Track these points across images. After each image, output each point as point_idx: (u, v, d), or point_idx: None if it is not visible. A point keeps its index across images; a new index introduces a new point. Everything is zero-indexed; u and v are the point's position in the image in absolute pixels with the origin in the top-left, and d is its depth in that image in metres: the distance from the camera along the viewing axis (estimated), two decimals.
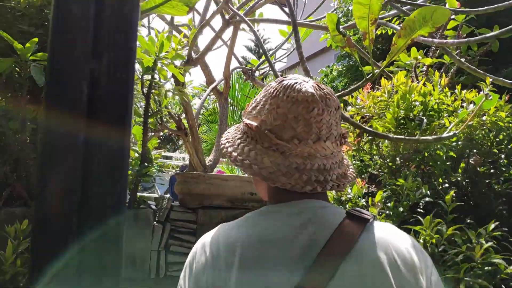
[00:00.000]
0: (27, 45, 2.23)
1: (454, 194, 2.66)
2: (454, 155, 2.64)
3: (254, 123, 0.79)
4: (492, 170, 2.71)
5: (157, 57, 2.65)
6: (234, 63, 6.84)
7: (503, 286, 1.66)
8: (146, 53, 2.75)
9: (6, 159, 2.34)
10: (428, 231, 1.82)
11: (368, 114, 2.88)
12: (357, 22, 1.71)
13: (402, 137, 2.26)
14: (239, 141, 0.82)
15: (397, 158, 2.63)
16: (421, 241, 1.87)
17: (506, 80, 2.55)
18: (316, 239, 0.71)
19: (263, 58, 5.52)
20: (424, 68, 3.60)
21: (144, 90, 2.73)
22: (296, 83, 0.78)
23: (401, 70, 3.68)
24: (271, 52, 5.50)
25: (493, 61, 3.97)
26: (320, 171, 0.76)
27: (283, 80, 0.80)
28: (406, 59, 3.58)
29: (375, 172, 2.83)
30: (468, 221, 2.44)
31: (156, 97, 2.97)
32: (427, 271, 0.73)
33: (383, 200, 2.19)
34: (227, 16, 3.74)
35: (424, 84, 2.89)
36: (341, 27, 1.86)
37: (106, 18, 0.42)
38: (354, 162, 3.06)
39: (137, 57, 2.75)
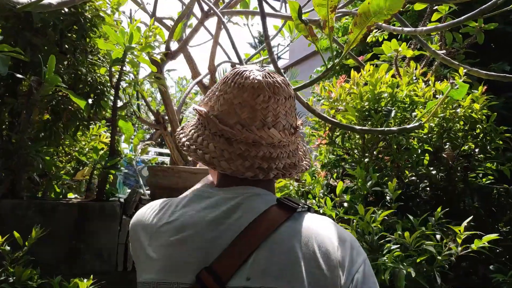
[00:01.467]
0: None
1: (427, 187, 2.62)
2: (430, 148, 2.59)
3: (203, 109, 0.81)
4: (466, 164, 2.65)
5: (126, 48, 2.63)
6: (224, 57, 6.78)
7: (437, 273, 1.62)
8: (117, 45, 2.72)
9: None
10: (366, 219, 1.79)
11: (341, 108, 2.84)
12: (316, 10, 1.67)
13: (367, 128, 2.22)
14: (191, 127, 0.85)
15: (365, 151, 2.58)
16: (359, 229, 1.84)
17: (481, 71, 2.47)
18: (239, 224, 0.71)
19: (263, 53, 5.49)
20: (406, 61, 3.53)
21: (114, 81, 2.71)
22: (246, 70, 0.78)
23: (384, 63, 3.63)
24: (262, 47, 5.45)
25: (481, 55, 3.89)
26: (264, 159, 0.77)
27: (236, 68, 0.80)
28: (388, 50, 3.52)
29: (347, 167, 2.79)
30: (441, 216, 2.39)
31: (129, 89, 2.95)
32: (353, 267, 0.70)
33: (343, 191, 2.16)
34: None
35: (397, 76, 2.83)
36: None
37: None
38: (329, 156, 3.01)
39: (106, 48, 2.73)
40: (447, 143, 2.58)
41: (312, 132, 3.01)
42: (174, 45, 3.87)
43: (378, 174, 2.14)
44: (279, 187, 2.55)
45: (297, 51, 14.10)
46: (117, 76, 2.69)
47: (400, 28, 2.30)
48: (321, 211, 2.24)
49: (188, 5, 3.27)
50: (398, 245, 1.74)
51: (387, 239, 1.81)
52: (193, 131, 0.83)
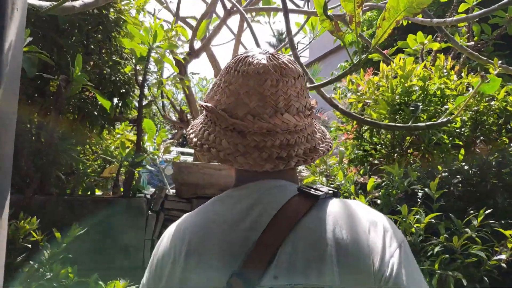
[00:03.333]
0: None
1: (458, 183, 2.53)
2: (460, 143, 2.51)
3: (209, 104, 0.75)
4: (501, 159, 2.55)
5: (150, 47, 2.64)
6: None
7: (485, 278, 1.54)
8: (141, 43, 2.74)
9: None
10: (408, 220, 1.72)
11: (369, 101, 2.77)
12: (343, 5, 1.63)
13: (393, 124, 2.15)
14: (200, 125, 0.80)
15: (395, 147, 2.51)
16: (401, 230, 1.77)
17: (510, 67, 2.38)
18: (260, 221, 0.67)
19: (285, 51, 5.44)
20: (433, 54, 3.44)
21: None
22: (248, 56, 0.73)
23: (409, 57, 3.54)
24: (283, 45, 5.41)
25: (511, 46, 3.75)
26: (282, 147, 0.71)
27: (237, 55, 0.76)
28: (413, 44, 3.43)
29: (375, 162, 2.72)
30: (472, 212, 2.30)
31: (153, 88, 2.96)
32: (386, 253, 0.63)
33: (374, 188, 2.10)
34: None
35: (428, 69, 2.75)
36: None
37: None
38: (356, 151, 2.95)
39: (131, 47, 2.75)
40: (480, 137, 2.49)
41: (339, 127, 2.94)
42: (197, 44, 3.89)
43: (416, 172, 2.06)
44: (307, 183, 2.51)
45: (316, 48, 13.99)
46: (142, 74, 2.71)
47: (429, 19, 2.23)
48: None
49: (211, 4, 3.27)
50: (443, 248, 1.66)
51: (430, 242, 1.74)
52: (203, 129, 0.78)
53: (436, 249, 1.65)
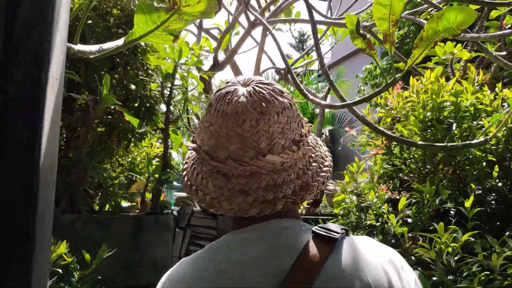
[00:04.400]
0: None
1: (492, 201, 2.45)
2: (494, 159, 2.42)
3: (193, 145, 0.72)
4: None
5: (176, 64, 2.65)
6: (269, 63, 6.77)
7: None
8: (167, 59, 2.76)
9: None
10: (444, 238, 1.67)
11: (399, 116, 2.71)
12: (377, 24, 1.59)
13: (429, 143, 2.09)
14: (192, 162, 0.75)
15: (427, 163, 2.44)
16: (436, 249, 1.72)
17: None
18: (278, 269, 0.63)
19: (307, 56, 5.41)
20: (463, 63, 3.34)
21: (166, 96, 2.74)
22: (228, 92, 0.67)
23: (438, 66, 3.45)
24: (306, 51, 5.38)
25: None
26: (269, 189, 0.66)
27: (220, 89, 0.69)
28: (442, 54, 3.34)
29: (405, 178, 2.66)
30: (507, 233, 2.22)
31: (179, 103, 2.98)
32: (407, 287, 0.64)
33: (406, 206, 2.05)
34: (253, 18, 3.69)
35: (459, 82, 2.67)
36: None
37: None
38: (385, 166, 2.89)
39: (156, 64, 2.77)
40: None
41: (368, 142, 2.89)
42: (220, 54, 3.90)
43: (447, 190, 2.01)
44: (337, 201, 2.47)
45: (339, 49, 13.87)
46: (168, 90, 2.73)
47: (462, 34, 2.15)
48: (384, 227, 2.15)
49: (235, 17, 3.26)
50: (480, 268, 1.61)
51: (466, 261, 1.69)
52: (193, 166, 0.73)
53: (474, 268, 1.60)
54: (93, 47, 1.34)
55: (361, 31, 1.70)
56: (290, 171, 0.68)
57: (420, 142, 2.00)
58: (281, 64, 4.94)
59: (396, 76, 1.85)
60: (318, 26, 4.84)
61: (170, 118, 2.69)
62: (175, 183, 3.18)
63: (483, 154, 2.44)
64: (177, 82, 2.95)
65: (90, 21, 2.82)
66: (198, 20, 4.16)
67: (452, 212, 2.22)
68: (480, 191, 2.39)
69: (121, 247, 2.50)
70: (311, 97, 2.28)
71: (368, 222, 2.36)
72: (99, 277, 1.93)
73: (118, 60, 3.10)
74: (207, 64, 3.85)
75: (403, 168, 2.75)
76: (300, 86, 2.21)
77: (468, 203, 1.81)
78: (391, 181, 2.82)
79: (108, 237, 2.36)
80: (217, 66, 3.62)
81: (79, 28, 1.31)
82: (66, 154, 2.74)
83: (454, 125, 2.18)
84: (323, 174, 0.72)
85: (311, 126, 0.74)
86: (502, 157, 2.39)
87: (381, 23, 1.56)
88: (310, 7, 2.43)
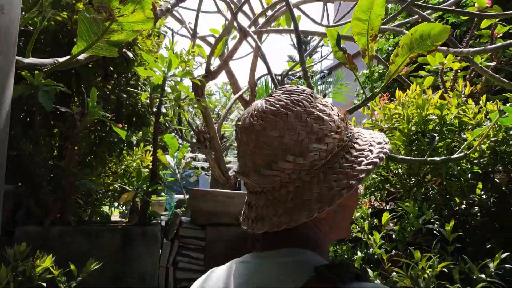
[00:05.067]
0: (36, 72, 2.33)
1: (476, 213, 2.47)
2: (480, 171, 2.43)
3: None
4: None
5: (165, 75, 2.67)
6: (264, 70, 6.77)
7: None
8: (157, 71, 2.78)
9: (22, 180, 2.47)
10: (420, 265, 1.68)
11: (385, 126, 2.73)
12: (356, 39, 1.61)
13: (407, 158, 2.11)
14: None
15: (412, 176, 2.46)
16: (413, 275, 1.72)
17: None
18: None
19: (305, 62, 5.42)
20: (453, 73, 3.35)
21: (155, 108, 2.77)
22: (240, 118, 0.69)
23: (429, 76, 3.46)
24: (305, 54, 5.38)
25: None
26: (251, 209, 0.68)
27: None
28: (434, 63, 3.35)
29: (392, 189, 2.67)
30: (488, 246, 2.23)
31: (171, 112, 3.00)
32: None
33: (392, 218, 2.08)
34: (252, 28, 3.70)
35: (446, 93, 2.68)
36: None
37: None
38: (373, 177, 2.91)
39: (146, 75, 2.79)
40: (500, 167, 2.41)
41: None
42: (214, 62, 3.92)
43: (427, 205, 2.03)
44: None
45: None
46: (157, 101, 2.75)
47: (446, 48, 2.17)
48: (367, 244, 2.17)
49: (226, 27, 3.28)
50: None
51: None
52: None
53: None
54: (47, 61, 1.38)
55: (341, 46, 1.72)
56: (269, 196, 0.64)
57: (400, 156, 2.01)
58: (278, 70, 4.94)
59: (375, 91, 1.88)
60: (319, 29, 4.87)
61: (160, 129, 2.71)
62: (163, 194, 3.21)
63: (469, 166, 2.46)
64: (168, 90, 2.97)
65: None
66: (191, 29, 4.17)
67: (435, 232, 2.23)
68: (464, 205, 2.41)
69: (109, 258, 2.53)
70: None
71: (353, 235, 2.38)
72: None
73: (111, 68, 3.13)
74: (200, 72, 3.87)
75: (390, 179, 2.77)
76: None
77: (448, 227, 1.82)
78: (378, 192, 2.84)
79: (96, 248, 2.39)
80: (209, 75, 3.64)
81: (31, 43, 1.34)
82: (58, 166, 2.77)
83: (437, 138, 2.19)
84: (344, 181, 0.61)
85: (291, 160, 0.62)
86: (486, 170, 2.41)
87: (359, 38, 1.58)
88: (295, 20, 2.45)
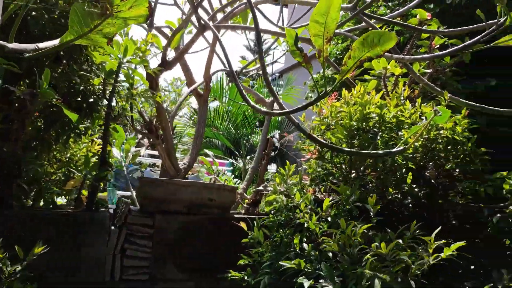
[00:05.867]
0: None
1: (409, 204, 2.72)
2: (413, 166, 2.67)
3: None
4: (447, 183, 2.74)
5: (121, 61, 2.66)
6: (220, 65, 6.84)
7: (412, 282, 1.70)
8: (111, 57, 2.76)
9: None
10: (347, 232, 1.91)
11: (332, 123, 2.91)
12: (312, 40, 1.73)
13: (353, 150, 2.29)
14: None
15: (352, 169, 2.66)
16: (341, 243, 1.94)
17: (462, 100, 2.58)
18: None
19: (257, 60, 5.53)
20: (395, 78, 3.62)
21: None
22: None
23: (374, 79, 3.71)
24: (256, 57, 5.51)
25: (466, 73, 3.99)
26: None
27: None
28: (378, 67, 3.60)
29: (335, 181, 2.86)
30: (418, 232, 2.47)
31: (123, 100, 2.98)
32: None
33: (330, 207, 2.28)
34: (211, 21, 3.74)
35: (387, 95, 2.91)
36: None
37: None
38: (318, 169, 3.08)
39: (101, 60, 2.76)
40: (430, 163, 2.67)
41: (303, 147, 3.09)
42: (170, 53, 3.92)
43: (362, 190, 2.24)
44: (268, 201, 2.62)
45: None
46: (110, 87, 2.73)
47: (390, 54, 2.37)
48: (305, 225, 2.32)
49: (185, 19, 3.32)
50: (376, 256, 1.80)
51: (366, 251, 1.90)
52: None
53: (367, 256, 1.82)
54: (29, 46, 1.38)
55: (299, 46, 1.84)
56: None
57: (346, 149, 2.18)
58: (233, 66, 5.04)
59: (328, 89, 2.02)
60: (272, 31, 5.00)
61: (112, 115, 2.69)
62: (113, 181, 3.18)
63: (404, 162, 2.70)
64: (122, 78, 2.95)
65: (34, 13, 2.76)
66: (148, 19, 4.15)
67: (371, 213, 2.44)
68: (397, 195, 2.64)
69: (55, 244, 2.48)
70: (252, 103, 2.40)
71: (297, 221, 2.53)
72: (31, 274, 1.92)
73: (62, 52, 3.04)
74: (156, 63, 3.86)
75: (334, 172, 2.96)
76: (243, 93, 2.31)
77: (371, 201, 2.04)
78: (322, 184, 3.02)
79: (41, 234, 2.33)
80: (165, 65, 3.64)
81: (14, 28, 1.34)
82: (1, 148, 2.66)
83: (380, 134, 2.40)
84: None
85: None
86: (419, 165, 2.65)
87: (316, 39, 1.71)
88: (255, 17, 2.55)
